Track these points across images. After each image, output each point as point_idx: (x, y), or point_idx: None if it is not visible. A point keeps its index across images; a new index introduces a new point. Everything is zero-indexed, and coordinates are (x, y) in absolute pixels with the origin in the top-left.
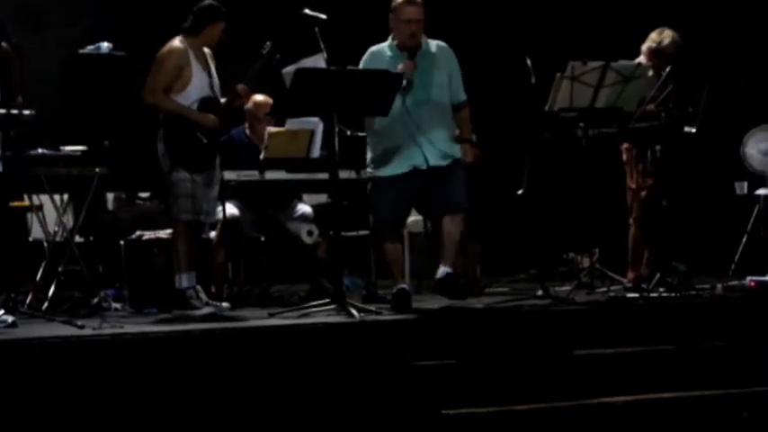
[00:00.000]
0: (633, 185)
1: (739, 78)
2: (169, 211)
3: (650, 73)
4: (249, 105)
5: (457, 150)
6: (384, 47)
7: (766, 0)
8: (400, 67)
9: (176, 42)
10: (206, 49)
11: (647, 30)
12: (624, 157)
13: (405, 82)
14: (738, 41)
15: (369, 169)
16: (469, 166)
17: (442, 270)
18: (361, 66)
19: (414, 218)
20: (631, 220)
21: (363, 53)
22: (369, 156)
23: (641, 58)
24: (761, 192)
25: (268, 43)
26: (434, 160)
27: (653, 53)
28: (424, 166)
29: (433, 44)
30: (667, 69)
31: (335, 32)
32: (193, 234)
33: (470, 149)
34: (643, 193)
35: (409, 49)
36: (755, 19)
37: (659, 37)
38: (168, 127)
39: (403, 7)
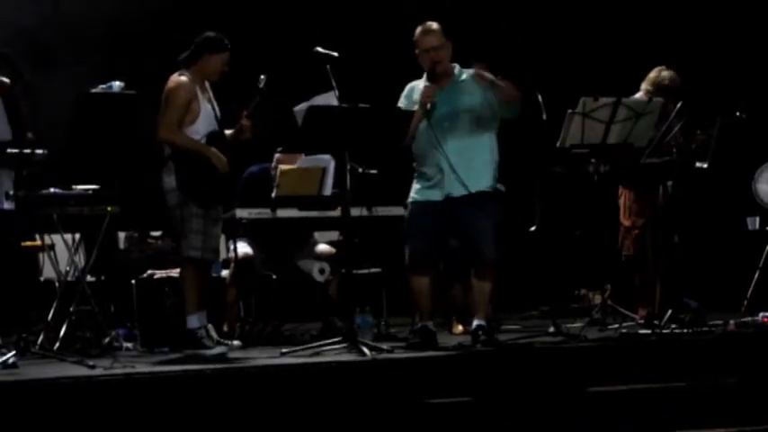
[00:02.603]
0: (626, 223)
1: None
2: (179, 249)
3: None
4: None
5: (488, 181)
6: (419, 81)
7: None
8: (422, 89)
9: (182, 77)
10: (206, 83)
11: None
12: (619, 192)
13: (428, 105)
14: (748, 75)
15: (410, 197)
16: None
17: (476, 323)
18: (400, 101)
19: None
20: (623, 258)
21: (375, 90)
22: (414, 182)
23: (640, 95)
24: None
25: (263, 77)
26: (464, 188)
27: (651, 93)
28: (458, 194)
29: (466, 72)
30: (678, 106)
31: (347, 70)
32: (202, 273)
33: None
34: (635, 233)
35: (436, 78)
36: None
37: (658, 76)
38: (180, 161)
39: (421, 38)
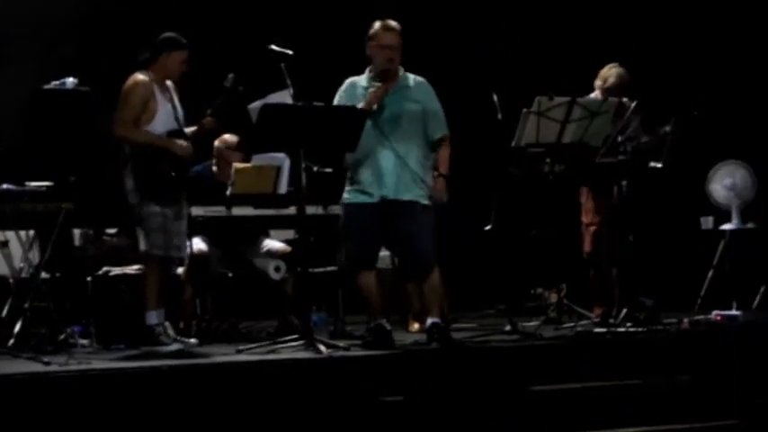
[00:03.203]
0: (586, 220)
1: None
2: (136, 247)
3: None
4: (220, 145)
5: (422, 190)
6: (360, 78)
7: (731, 34)
8: (371, 90)
9: (140, 75)
10: (169, 82)
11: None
12: (583, 195)
13: (374, 106)
14: (703, 75)
15: (344, 198)
16: (436, 204)
17: (431, 321)
18: (336, 96)
19: (381, 253)
20: (585, 255)
21: (330, 89)
22: (345, 186)
23: (595, 94)
24: (726, 227)
25: (230, 76)
26: (400, 191)
27: (603, 91)
28: (391, 196)
29: (411, 78)
30: (632, 105)
31: (302, 68)
32: (164, 270)
33: (442, 185)
34: (592, 229)
35: (384, 76)
36: (720, 53)
37: (606, 74)
38: (136, 161)
39: (380, 33)
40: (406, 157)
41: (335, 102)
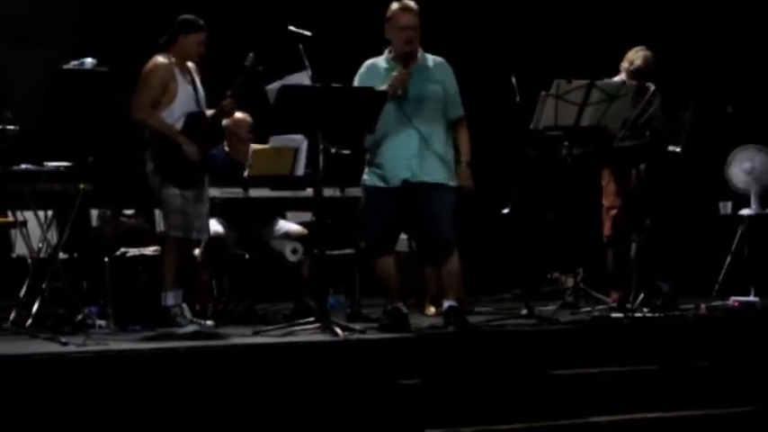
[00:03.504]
0: (607, 203)
1: (725, 101)
2: (154, 228)
3: (652, 90)
4: (228, 123)
5: (446, 171)
6: (380, 60)
7: (751, 20)
8: (394, 74)
9: (161, 57)
10: (190, 64)
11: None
12: (603, 174)
13: (399, 91)
14: (723, 60)
15: (364, 181)
16: (460, 190)
17: (447, 304)
18: (356, 79)
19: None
20: (604, 239)
21: (348, 70)
22: (365, 169)
23: (620, 77)
24: (745, 212)
25: (251, 55)
26: (422, 176)
27: (628, 73)
28: (414, 179)
29: (430, 58)
30: (652, 89)
31: (320, 49)
32: (183, 251)
33: (467, 172)
34: (613, 212)
35: (405, 59)
36: (740, 38)
37: (633, 56)
38: (156, 144)
39: (398, 14)
40: (430, 139)
41: (355, 83)
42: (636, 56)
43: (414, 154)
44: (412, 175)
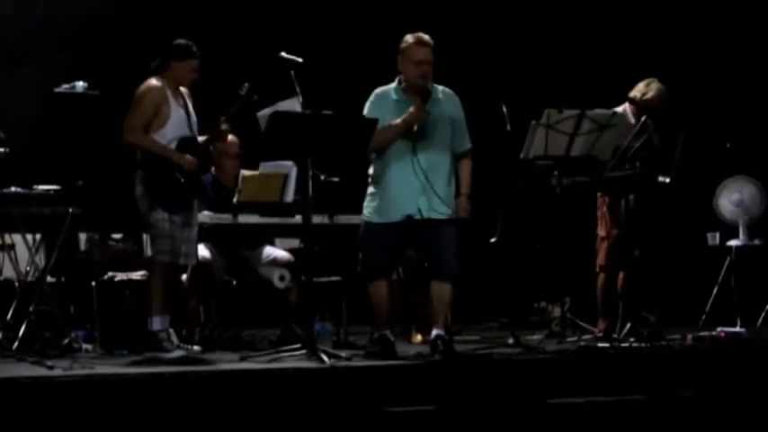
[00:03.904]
0: (602, 233)
1: (720, 132)
2: (142, 253)
3: (632, 120)
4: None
5: (450, 205)
6: (390, 89)
7: (736, 48)
8: (411, 110)
9: (154, 80)
10: (182, 88)
11: (624, 78)
12: (598, 204)
13: (414, 128)
14: (714, 92)
15: (365, 212)
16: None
17: (435, 333)
18: (366, 107)
19: None
20: (597, 269)
21: (340, 97)
22: (367, 198)
23: (624, 107)
24: (732, 243)
25: (246, 84)
26: (428, 212)
27: (636, 103)
28: (418, 216)
29: (440, 90)
30: (642, 119)
31: (311, 76)
32: (170, 276)
33: (466, 205)
34: (607, 242)
35: (417, 92)
36: (728, 68)
37: (645, 88)
38: (146, 167)
39: (414, 48)
40: (436, 175)
41: (365, 113)
42: (649, 88)
43: (419, 191)
44: (417, 211)
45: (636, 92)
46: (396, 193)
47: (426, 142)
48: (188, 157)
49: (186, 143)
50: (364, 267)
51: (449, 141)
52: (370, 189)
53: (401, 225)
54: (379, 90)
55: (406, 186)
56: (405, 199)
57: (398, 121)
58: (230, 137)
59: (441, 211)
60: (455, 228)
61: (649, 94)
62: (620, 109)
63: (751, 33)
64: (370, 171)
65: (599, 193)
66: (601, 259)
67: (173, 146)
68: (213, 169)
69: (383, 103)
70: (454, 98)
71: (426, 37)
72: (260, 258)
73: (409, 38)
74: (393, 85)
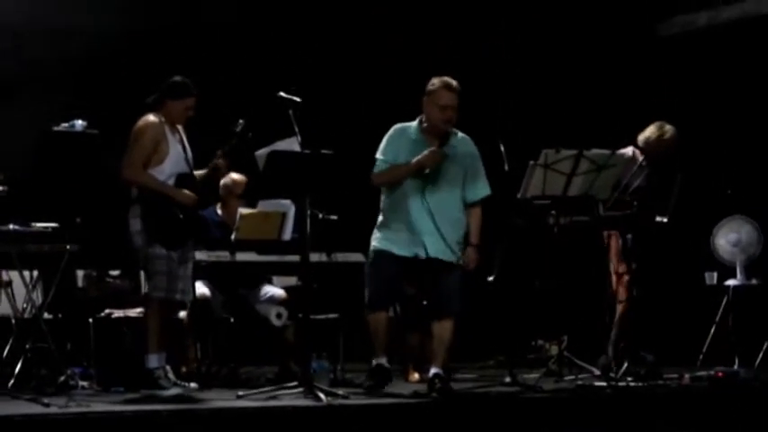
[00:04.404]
0: (620, 269)
1: (720, 178)
2: (139, 290)
3: (641, 160)
4: (226, 181)
5: (457, 253)
6: (410, 127)
7: (733, 88)
8: (426, 152)
9: (152, 117)
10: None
11: (622, 118)
12: (608, 242)
13: (427, 170)
14: (710, 133)
15: (374, 241)
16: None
17: (433, 371)
18: (384, 140)
19: None
20: (618, 305)
21: (337, 136)
22: (377, 227)
23: (629, 150)
24: (730, 282)
25: (241, 121)
26: (435, 253)
27: (649, 143)
28: (424, 256)
29: (459, 136)
30: (641, 159)
31: (310, 115)
32: (166, 313)
33: (474, 255)
34: (626, 278)
35: (436, 135)
36: (724, 108)
37: (660, 130)
38: (145, 203)
39: (441, 93)
40: (443, 219)
41: (382, 147)
42: (664, 130)
43: (426, 231)
44: (423, 251)
45: (650, 134)
46: (406, 231)
47: (437, 185)
48: (186, 192)
49: (184, 179)
50: (370, 297)
51: (460, 187)
52: (381, 218)
53: (408, 260)
54: (399, 126)
55: (413, 225)
56: (414, 239)
57: (413, 161)
58: (239, 175)
59: (446, 255)
60: (460, 272)
61: (666, 136)
62: (628, 150)
63: (747, 75)
64: (381, 203)
65: (607, 232)
66: (621, 295)
67: (171, 182)
68: (219, 208)
69: (402, 139)
70: (470, 144)
71: (454, 82)
72: (258, 296)
73: (437, 81)
74: (414, 123)
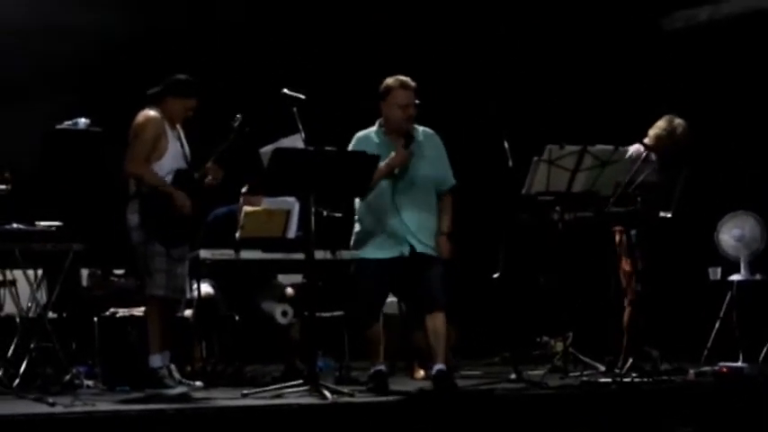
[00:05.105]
0: (628, 268)
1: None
2: (143, 289)
3: (652, 157)
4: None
5: (434, 246)
6: (371, 132)
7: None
8: (393, 154)
9: (151, 112)
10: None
11: (626, 113)
12: (617, 239)
13: (396, 170)
14: (714, 127)
15: (355, 250)
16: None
17: (436, 368)
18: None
19: (389, 299)
20: (626, 303)
21: (342, 133)
22: (354, 235)
23: (634, 147)
24: (734, 278)
25: (238, 116)
26: (418, 247)
27: (661, 138)
28: (407, 254)
29: (420, 131)
30: (644, 154)
31: (314, 113)
32: (167, 311)
33: (445, 244)
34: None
35: (399, 135)
36: (729, 102)
37: (672, 125)
38: (144, 199)
39: (398, 92)
40: (419, 215)
41: None
42: (675, 125)
43: (405, 230)
44: (408, 250)
45: (660, 130)
46: (382, 231)
47: (407, 183)
48: (184, 196)
49: (182, 176)
50: (357, 308)
51: (430, 181)
52: (357, 227)
53: (392, 261)
54: (360, 134)
55: (391, 225)
56: (391, 238)
57: (382, 165)
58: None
59: (427, 249)
60: (441, 264)
61: (679, 130)
62: (633, 148)
63: (750, 69)
64: (356, 212)
65: (617, 228)
66: (631, 294)
67: (169, 178)
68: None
69: (366, 146)
70: (434, 138)
71: (408, 80)
72: (267, 294)
73: (391, 81)
74: (374, 128)
